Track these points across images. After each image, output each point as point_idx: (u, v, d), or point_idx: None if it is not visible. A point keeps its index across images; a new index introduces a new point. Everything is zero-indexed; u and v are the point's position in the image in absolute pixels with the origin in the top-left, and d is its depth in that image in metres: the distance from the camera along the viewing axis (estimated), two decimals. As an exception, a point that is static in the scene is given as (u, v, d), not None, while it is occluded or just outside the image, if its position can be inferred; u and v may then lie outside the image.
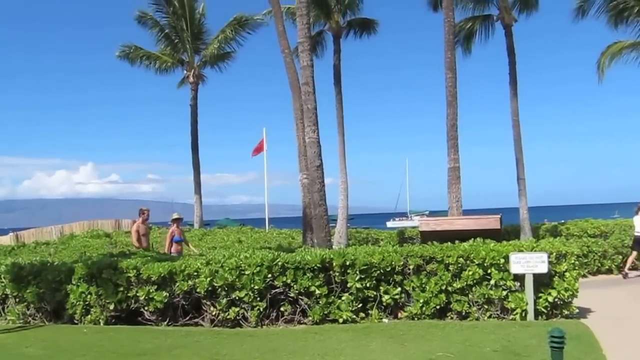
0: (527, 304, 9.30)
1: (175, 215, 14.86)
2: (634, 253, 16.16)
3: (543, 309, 9.40)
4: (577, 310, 9.67)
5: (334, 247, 16.26)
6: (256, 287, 9.51)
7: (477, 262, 9.53)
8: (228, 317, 9.68)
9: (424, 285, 9.68)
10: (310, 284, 9.54)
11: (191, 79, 30.51)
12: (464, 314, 9.56)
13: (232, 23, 30.45)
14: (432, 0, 24.41)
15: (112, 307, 10.17)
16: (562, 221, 23.65)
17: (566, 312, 9.50)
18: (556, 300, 9.41)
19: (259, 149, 29.14)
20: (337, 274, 9.69)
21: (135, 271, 10.06)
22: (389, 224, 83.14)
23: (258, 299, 9.60)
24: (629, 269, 16.04)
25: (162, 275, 9.89)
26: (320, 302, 9.56)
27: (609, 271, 16.83)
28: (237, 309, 9.69)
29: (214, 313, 9.81)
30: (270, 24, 24.83)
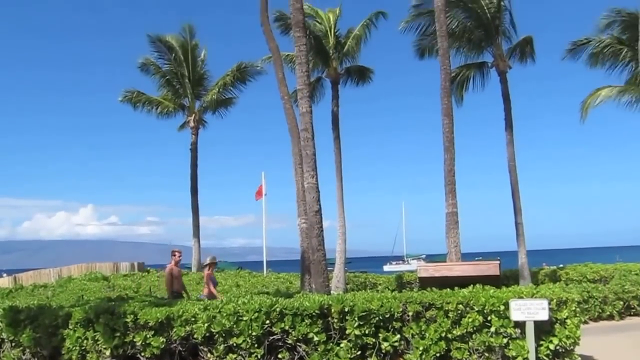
0: (528, 352, 9.20)
1: (209, 260, 14.43)
2: None
3: (545, 357, 9.31)
4: (579, 359, 9.58)
5: (332, 292, 16.18)
6: (254, 333, 9.42)
7: (476, 309, 9.48)
8: (225, 364, 9.56)
9: (423, 333, 9.59)
10: (308, 330, 9.45)
11: (192, 124, 30.86)
12: (464, 361, 9.45)
13: (232, 70, 30.96)
14: (418, 49, 25.02)
15: (108, 352, 10.04)
16: (561, 265, 23.62)
17: (568, 360, 9.40)
18: (558, 348, 9.33)
19: (259, 193, 29.35)
20: (335, 320, 9.62)
21: (132, 316, 9.97)
22: (386, 267, 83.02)
23: (256, 345, 9.49)
24: None
25: (159, 320, 9.80)
26: (319, 349, 9.46)
27: (610, 317, 16.72)
28: (235, 355, 9.57)
29: (211, 360, 9.69)
30: (270, 71, 25.32)
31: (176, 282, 13.87)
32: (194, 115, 30.82)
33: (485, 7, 23.81)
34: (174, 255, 13.94)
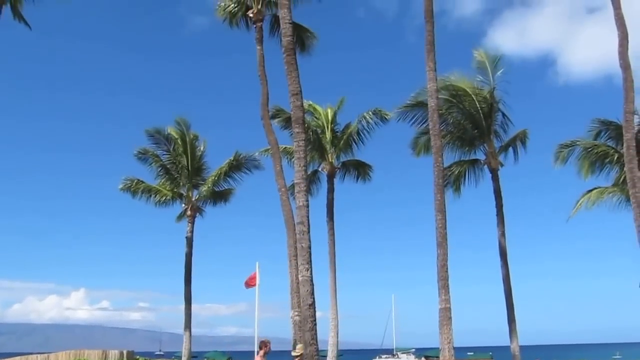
0: None
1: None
2: None
3: None
4: None
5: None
6: None
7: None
8: None
9: None
10: None
11: (189, 212, 31.11)
12: None
13: (229, 161, 31.49)
14: (414, 147, 25.84)
15: None
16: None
17: None
18: None
19: (251, 282, 29.10)
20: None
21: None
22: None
23: None
24: None
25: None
26: None
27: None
28: None
29: None
30: (267, 162, 26.04)
31: None
32: (191, 204, 31.16)
33: (479, 106, 24.83)
34: (265, 346, 13.02)
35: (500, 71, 24.95)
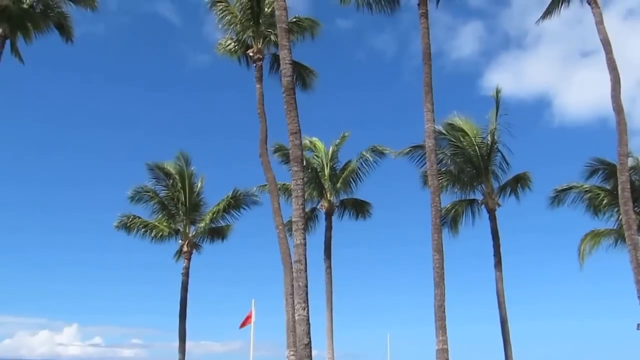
0: None
1: None
2: None
3: None
4: None
5: None
6: None
7: None
8: None
9: None
10: None
11: (185, 249, 30.96)
12: None
13: (227, 197, 31.48)
14: (424, 179, 25.93)
15: None
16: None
17: None
18: None
19: (246, 321, 28.85)
20: None
21: None
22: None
23: None
24: None
25: None
26: None
27: None
28: None
29: None
30: (265, 199, 26.09)
31: None
32: (187, 240, 31.04)
33: (477, 147, 25.06)
34: None
35: (501, 112, 25.31)
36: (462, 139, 25.07)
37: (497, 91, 25.41)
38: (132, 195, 30.98)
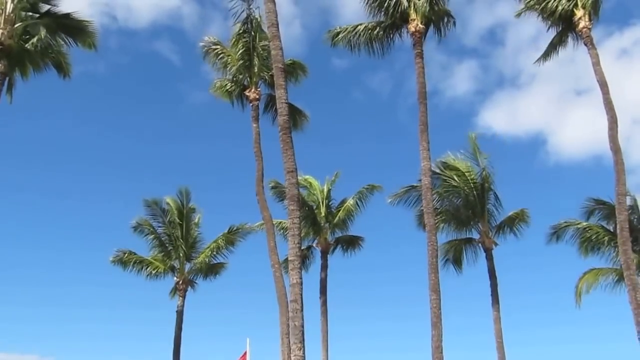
0: None
1: None
2: None
3: None
4: None
5: None
6: None
7: None
8: None
9: None
10: None
11: (180, 286, 30.65)
12: None
13: (223, 234, 31.32)
14: (419, 219, 25.91)
15: None
16: None
17: None
18: None
19: (241, 360, 28.41)
20: None
21: None
22: None
23: None
24: None
25: None
26: None
27: None
28: None
29: None
30: (261, 238, 25.93)
31: None
32: (183, 277, 30.76)
33: (473, 186, 25.10)
34: None
35: (489, 153, 25.57)
36: (456, 178, 25.13)
37: (473, 137, 25.82)
38: (134, 225, 30.91)
